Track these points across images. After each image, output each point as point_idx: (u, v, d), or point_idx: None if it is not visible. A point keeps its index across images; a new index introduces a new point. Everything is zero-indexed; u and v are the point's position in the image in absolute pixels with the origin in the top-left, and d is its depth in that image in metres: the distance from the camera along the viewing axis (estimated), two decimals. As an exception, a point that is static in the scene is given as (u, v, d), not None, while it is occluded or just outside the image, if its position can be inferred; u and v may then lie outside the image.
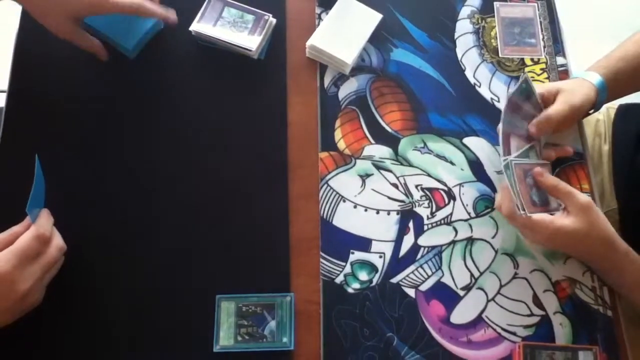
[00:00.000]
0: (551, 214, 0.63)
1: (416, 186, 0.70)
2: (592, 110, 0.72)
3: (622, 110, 0.89)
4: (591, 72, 0.71)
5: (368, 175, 0.70)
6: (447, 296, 0.65)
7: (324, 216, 0.68)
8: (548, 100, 0.69)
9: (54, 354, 0.62)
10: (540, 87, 0.70)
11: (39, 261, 0.58)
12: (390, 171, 0.71)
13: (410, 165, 0.71)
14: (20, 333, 0.61)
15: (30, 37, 0.75)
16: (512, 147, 0.64)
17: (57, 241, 0.61)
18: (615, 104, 0.91)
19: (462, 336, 0.63)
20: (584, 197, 0.62)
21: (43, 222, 0.60)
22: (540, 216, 0.61)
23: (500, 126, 0.63)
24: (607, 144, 0.86)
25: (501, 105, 0.74)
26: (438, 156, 0.71)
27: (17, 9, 0.75)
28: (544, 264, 0.67)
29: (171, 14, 0.72)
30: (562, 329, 0.64)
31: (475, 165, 0.71)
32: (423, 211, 0.69)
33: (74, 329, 0.63)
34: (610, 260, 0.63)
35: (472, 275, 0.66)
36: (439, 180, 0.70)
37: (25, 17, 0.76)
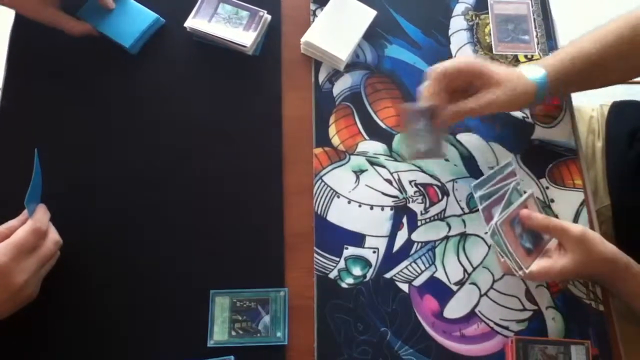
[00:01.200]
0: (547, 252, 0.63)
1: (410, 182, 0.70)
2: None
3: (616, 107, 0.90)
4: (537, 67, 0.68)
5: (362, 171, 0.70)
6: (441, 291, 0.65)
7: (318, 212, 0.68)
8: (484, 86, 0.65)
9: (49, 348, 0.62)
10: (471, 66, 0.66)
11: (35, 254, 0.59)
12: (384, 167, 0.71)
13: (404, 161, 0.71)
14: (15, 330, 0.61)
15: (25, 33, 0.76)
16: (494, 213, 0.62)
17: (53, 235, 0.62)
18: (608, 101, 0.91)
19: (455, 331, 0.64)
20: (576, 230, 0.60)
21: (40, 216, 0.60)
22: (539, 266, 0.61)
23: (480, 208, 0.62)
24: (601, 140, 0.87)
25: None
26: (432, 152, 0.72)
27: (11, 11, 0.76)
28: (537, 259, 0.67)
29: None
30: (554, 324, 0.64)
31: (469, 161, 0.72)
32: (417, 207, 0.69)
33: (69, 324, 0.63)
34: (612, 275, 0.63)
35: (465, 270, 0.66)
36: (432, 176, 0.71)
37: (21, 17, 0.76)
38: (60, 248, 0.63)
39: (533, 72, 0.67)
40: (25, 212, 0.61)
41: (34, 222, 0.59)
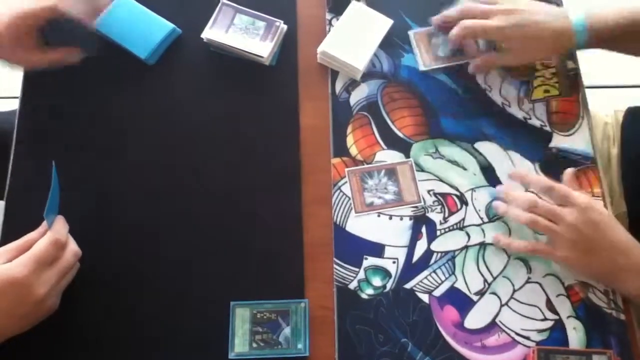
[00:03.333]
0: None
1: (428, 191, 0.70)
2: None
3: (630, 113, 0.90)
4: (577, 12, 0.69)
5: (380, 181, 0.71)
6: (461, 301, 0.65)
7: (337, 222, 0.68)
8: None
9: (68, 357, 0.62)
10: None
11: (55, 266, 0.59)
12: (403, 176, 0.71)
13: (422, 170, 0.71)
14: (34, 342, 0.62)
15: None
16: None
17: (73, 247, 0.62)
18: (623, 107, 0.91)
19: (476, 341, 0.64)
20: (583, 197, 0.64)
21: (59, 228, 0.61)
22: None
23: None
24: (616, 147, 0.86)
25: (512, 110, 0.74)
26: (450, 161, 0.72)
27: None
28: (557, 268, 0.67)
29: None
30: (575, 333, 0.64)
31: (487, 170, 0.71)
32: (435, 216, 0.69)
33: (88, 338, 0.63)
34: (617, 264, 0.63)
35: (485, 280, 0.66)
36: (451, 186, 0.71)
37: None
38: (79, 260, 0.63)
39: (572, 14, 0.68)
40: (44, 224, 0.61)
41: (53, 234, 0.59)
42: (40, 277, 0.57)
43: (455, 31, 0.71)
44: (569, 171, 0.68)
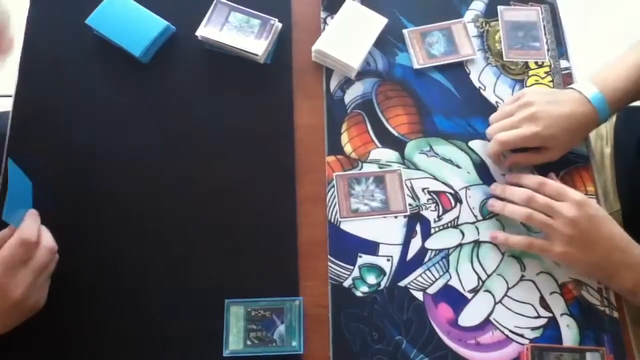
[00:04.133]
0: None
1: (423, 189, 0.70)
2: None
3: (624, 113, 0.90)
4: (590, 84, 0.69)
5: (375, 179, 0.71)
6: (455, 299, 0.65)
7: (332, 220, 0.68)
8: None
9: (59, 356, 0.62)
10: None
11: (29, 266, 0.57)
12: (397, 175, 0.71)
13: (417, 168, 0.71)
14: (24, 339, 0.61)
15: (38, 42, 0.76)
16: None
17: (47, 243, 0.60)
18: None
19: (470, 338, 0.64)
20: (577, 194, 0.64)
21: (27, 226, 0.58)
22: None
23: None
24: (609, 146, 0.87)
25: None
26: (444, 159, 0.72)
27: (24, 12, 0.76)
28: (550, 265, 0.67)
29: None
30: (569, 331, 0.64)
31: (481, 168, 0.72)
32: (430, 214, 0.69)
33: (82, 334, 0.63)
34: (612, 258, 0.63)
35: (479, 277, 0.66)
36: (445, 184, 0.71)
37: (33, 20, 0.76)
38: (74, 257, 0.63)
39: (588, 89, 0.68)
40: (10, 226, 0.60)
41: (20, 234, 0.57)
42: (13, 279, 0.56)
43: (492, 149, 0.69)
44: (551, 175, 0.70)
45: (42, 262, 0.58)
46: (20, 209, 0.60)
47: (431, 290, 0.66)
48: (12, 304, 0.56)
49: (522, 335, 0.64)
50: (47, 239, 0.60)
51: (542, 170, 0.71)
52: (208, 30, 0.74)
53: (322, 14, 0.79)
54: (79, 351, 0.62)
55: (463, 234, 0.68)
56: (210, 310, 0.63)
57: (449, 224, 0.69)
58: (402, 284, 0.66)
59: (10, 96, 0.73)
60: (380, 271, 0.66)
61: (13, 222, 0.59)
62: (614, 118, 0.89)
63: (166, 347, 0.63)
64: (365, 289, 0.66)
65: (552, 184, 0.65)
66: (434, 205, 0.70)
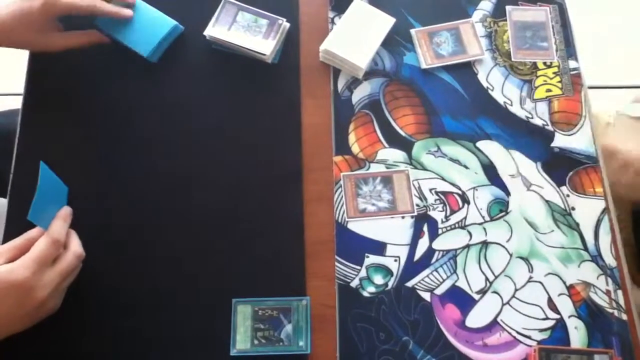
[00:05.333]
0: None
1: (430, 190, 0.70)
2: None
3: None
4: None
5: (382, 179, 0.70)
6: (463, 300, 0.65)
7: (339, 220, 0.68)
8: None
9: (72, 354, 0.62)
10: None
11: (56, 267, 0.58)
12: (404, 175, 0.71)
13: (424, 169, 0.71)
14: (34, 341, 0.62)
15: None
16: None
17: (75, 248, 0.61)
18: (624, 107, 0.91)
19: (477, 340, 0.64)
20: None
21: (56, 226, 0.60)
22: None
23: None
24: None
25: (514, 109, 0.74)
26: (452, 160, 0.72)
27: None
28: (558, 267, 0.67)
29: (126, 12, 0.73)
30: (577, 333, 0.64)
31: (489, 169, 0.71)
32: (437, 215, 0.69)
33: (89, 334, 0.63)
34: None
35: (487, 279, 0.66)
36: (452, 184, 0.71)
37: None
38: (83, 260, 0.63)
39: None
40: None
41: (51, 234, 0.58)
42: (42, 279, 0.56)
43: None
44: None
45: (70, 266, 0.59)
46: (49, 210, 0.61)
47: (438, 291, 0.66)
48: (37, 304, 0.56)
49: (529, 337, 0.64)
50: (76, 245, 0.62)
51: (552, 171, 0.71)
52: (216, 29, 0.74)
53: (330, 14, 0.79)
54: (87, 351, 0.63)
55: (471, 235, 0.68)
56: (218, 310, 0.63)
57: (457, 225, 0.69)
58: (409, 284, 0.66)
59: (20, 95, 0.74)
60: (387, 271, 0.66)
61: (40, 223, 0.59)
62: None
63: (174, 347, 0.63)
64: (372, 289, 0.65)
65: None
66: (441, 205, 0.69)
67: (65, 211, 0.63)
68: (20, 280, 0.55)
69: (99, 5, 0.70)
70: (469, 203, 0.70)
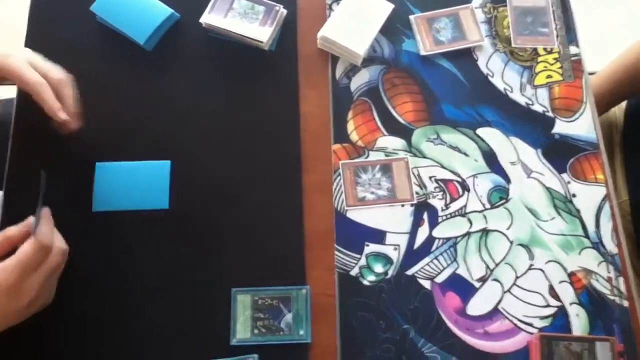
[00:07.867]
0: None
1: (430, 178, 0.70)
2: None
3: (634, 101, 0.89)
4: None
5: (382, 167, 0.70)
6: (463, 288, 0.65)
7: (338, 209, 0.68)
8: None
9: (65, 351, 0.62)
10: None
11: (42, 269, 0.57)
12: (404, 163, 0.70)
13: (424, 156, 0.70)
14: (29, 335, 0.61)
15: (41, 29, 0.75)
16: None
17: (59, 245, 0.60)
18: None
19: (478, 327, 0.63)
20: None
21: (44, 230, 0.58)
22: None
23: None
24: (619, 134, 0.86)
25: (515, 95, 0.74)
26: (451, 147, 0.71)
27: (26, 6, 0.75)
28: (559, 254, 0.66)
29: (64, 117, 0.64)
30: (578, 320, 0.64)
31: (489, 156, 0.71)
32: (437, 203, 0.68)
33: (87, 325, 0.63)
34: None
35: (487, 266, 0.66)
36: (452, 172, 0.70)
37: (36, 7, 0.76)
38: (79, 250, 0.62)
39: None
40: (25, 223, 0.59)
41: (41, 239, 0.56)
42: (27, 282, 0.55)
43: None
44: None
45: (55, 265, 0.58)
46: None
47: (439, 279, 0.65)
48: (22, 305, 0.56)
49: (531, 325, 0.64)
50: (60, 242, 0.60)
51: (553, 158, 0.70)
52: (212, 17, 0.73)
53: (328, 0, 0.78)
54: (85, 342, 0.62)
55: (471, 223, 0.68)
56: (217, 300, 0.63)
57: (457, 213, 0.68)
58: (409, 272, 0.65)
59: (14, 83, 0.72)
60: (387, 260, 0.66)
61: (33, 225, 0.58)
62: (623, 105, 0.88)
63: (174, 336, 0.62)
64: (372, 277, 0.65)
65: None
66: (441, 193, 0.69)
67: (47, 212, 0.61)
68: (4, 286, 0.54)
69: (42, 91, 0.63)
70: (469, 191, 0.69)
